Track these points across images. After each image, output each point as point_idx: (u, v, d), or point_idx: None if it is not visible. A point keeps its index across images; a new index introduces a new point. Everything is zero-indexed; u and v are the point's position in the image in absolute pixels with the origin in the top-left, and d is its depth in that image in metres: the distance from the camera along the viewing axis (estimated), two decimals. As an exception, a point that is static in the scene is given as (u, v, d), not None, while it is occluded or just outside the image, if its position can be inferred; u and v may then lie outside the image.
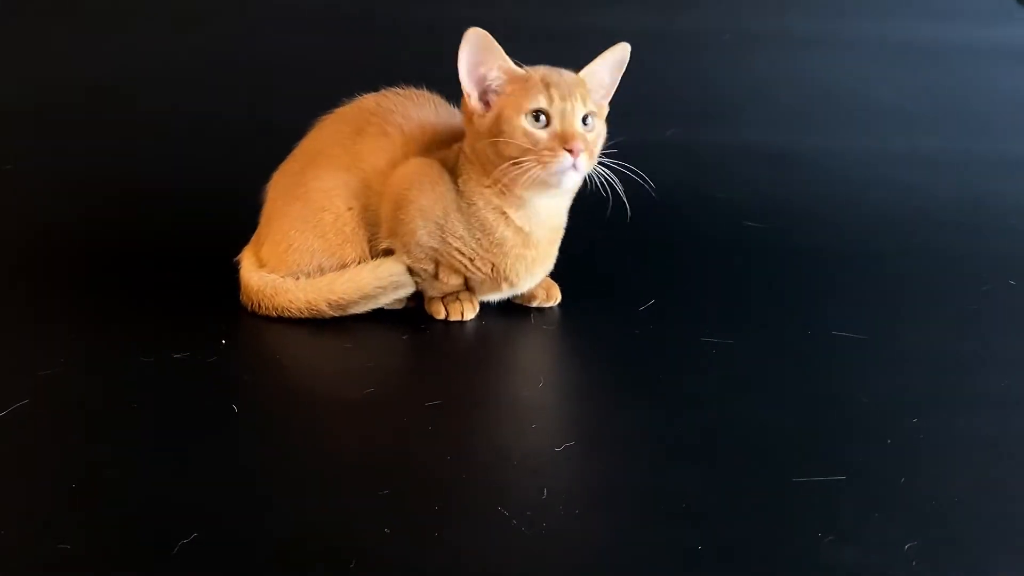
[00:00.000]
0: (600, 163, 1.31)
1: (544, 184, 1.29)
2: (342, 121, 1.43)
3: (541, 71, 1.30)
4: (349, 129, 1.41)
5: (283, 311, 1.39)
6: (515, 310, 1.46)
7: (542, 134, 1.26)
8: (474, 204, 1.34)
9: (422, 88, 1.45)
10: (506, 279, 1.38)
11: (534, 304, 1.47)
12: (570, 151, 1.24)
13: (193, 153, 2.02)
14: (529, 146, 1.26)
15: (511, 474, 1.03)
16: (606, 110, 1.36)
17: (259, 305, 1.40)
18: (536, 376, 1.30)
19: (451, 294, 1.41)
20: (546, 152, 1.25)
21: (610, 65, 1.34)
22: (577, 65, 1.31)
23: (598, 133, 1.31)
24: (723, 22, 2.28)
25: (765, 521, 0.96)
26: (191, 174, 1.95)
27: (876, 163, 2.13)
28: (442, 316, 1.41)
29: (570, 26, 2.23)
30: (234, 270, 1.45)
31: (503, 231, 1.34)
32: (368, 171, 1.39)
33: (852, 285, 1.62)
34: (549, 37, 2.19)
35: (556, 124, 1.26)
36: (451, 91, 1.48)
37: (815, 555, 0.90)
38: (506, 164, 1.27)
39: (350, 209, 1.39)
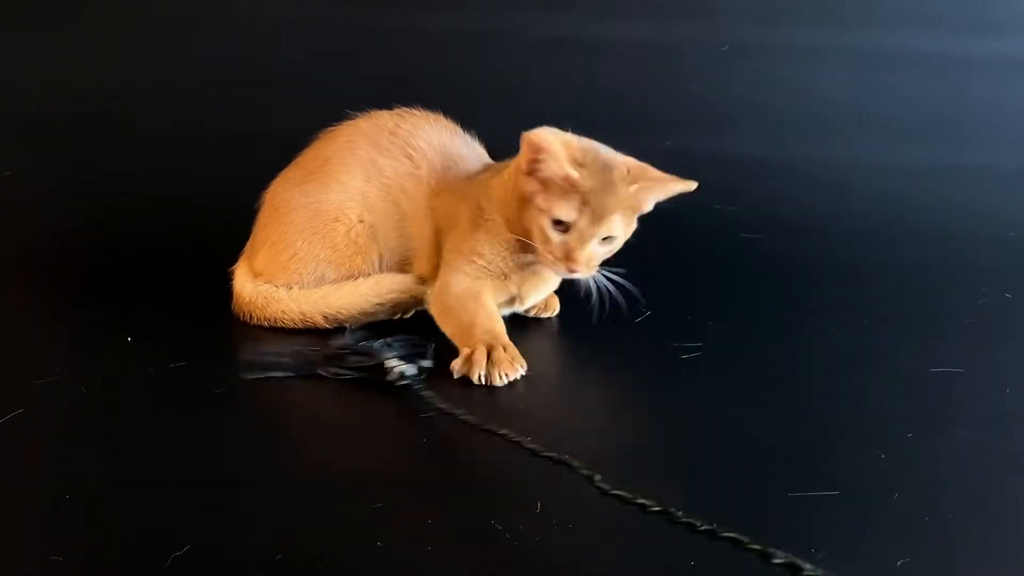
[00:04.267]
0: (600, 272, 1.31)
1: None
2: (357, 134, 1.42)
3: (590, 185, 1.22)
4: (365, 143, 1.41)
5: (275, 322, 1.38)
6: (513, 321, 1.45)
7: (556, 239, 1.26)
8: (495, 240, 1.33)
9: (437, 111, 1.45)
10: (519, 297, 1.39)
11: (532, 315, 1.47)
12: (571, 270, 1.26)
13: (192, 163, 2.02)
14: (540, 242, 1.27)
15: (505, 488, 1.03)
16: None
17: (251, 316, 1.40)
18: (532, 388, 1.30)
19: (490, 351, 1.27)
20: (549, 256, 1.27)
21: (669, 194, 1.29)
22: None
23: (610, 250, 1.30)
24: (720, 33, 2.28)
25: (759, 536, 0.96)
26: (190, 183, 1.95)
27: (874, 175, 2.13)
28: (476, 377, 1.25)
29: (567, 35, 2.22)
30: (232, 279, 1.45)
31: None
32: (393, 189, 1.38)
33: (849, 297, 1.62)
34: (546, 46, 2.20)
35: (571, 238, 1.25)
36: (449, 102, 1.49)
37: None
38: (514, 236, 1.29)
39: (362, 222, 1.38)
